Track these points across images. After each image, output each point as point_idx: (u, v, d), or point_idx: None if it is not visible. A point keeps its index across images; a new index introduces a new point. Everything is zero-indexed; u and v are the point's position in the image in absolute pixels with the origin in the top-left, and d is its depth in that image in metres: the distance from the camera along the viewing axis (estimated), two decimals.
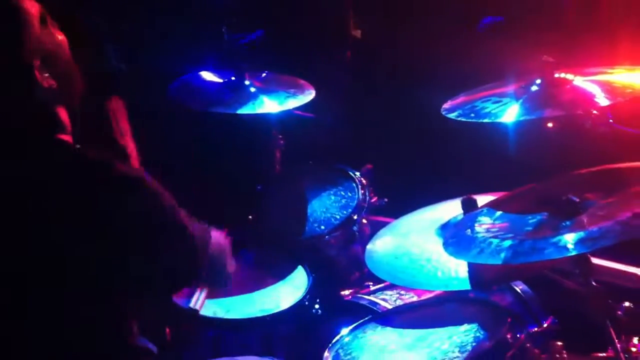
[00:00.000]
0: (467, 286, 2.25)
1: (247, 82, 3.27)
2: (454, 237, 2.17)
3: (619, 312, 2.17)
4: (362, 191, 3.12)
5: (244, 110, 3.16)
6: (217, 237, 2.14)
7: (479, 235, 2.07)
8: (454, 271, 2.30)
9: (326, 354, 2.35)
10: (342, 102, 4.03)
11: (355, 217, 3.04)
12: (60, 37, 1.93)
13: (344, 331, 2.44)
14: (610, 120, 2.51)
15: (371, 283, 2.90)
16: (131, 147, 2.20)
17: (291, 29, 4.09)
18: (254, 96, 3.22)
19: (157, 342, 2.19)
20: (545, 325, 2.34)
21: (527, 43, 3.30)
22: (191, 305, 2.65)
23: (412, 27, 4.16)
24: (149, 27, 3.84)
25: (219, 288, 2.47)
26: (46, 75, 1.87)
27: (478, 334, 2.25)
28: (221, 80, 3.37)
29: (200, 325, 2.66)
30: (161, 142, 3.78)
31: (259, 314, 2.67)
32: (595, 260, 2.13)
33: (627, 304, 2.19)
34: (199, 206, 3.91)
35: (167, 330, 2.69)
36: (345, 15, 4.22)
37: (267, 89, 3.26)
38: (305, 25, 4.05)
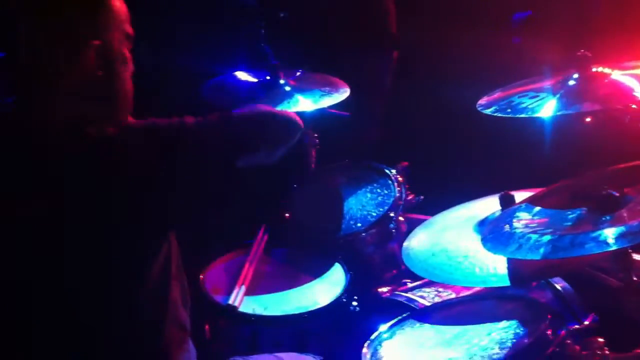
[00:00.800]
0: (506, 282, 2.24)
1: (281, 81, 3.28)
2: (492, 233, 2.16)
3: None
4: (399, 188, 3.12)
5: (279, 109, 3.18)
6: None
7: (518, 230, 2.06)
8: (493, 267, 2.29)
9: (365, 350, 2.36)
10: (381, 101, 4.03)
11: (391, 215, 3.04)
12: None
13: (383, 327, 2.44)
14: None
15: (409, 280, 2.90)
16: None
17: (331, 25, 4.08)
18: (288, 95, 3.23)
19: (196, 338, 2.21)
20: (586, 322, 2.31)
21: (562, 38, 3.27)
22: (230, 301, 2.68)
23: (446, 24, 4.15)
24: (184, 27, 3.87)
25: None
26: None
27: (517, 331, 2.24)
28: (256, 80, 3.39)
29: (239, 322, 2.69)
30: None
31: (297, 311, 2.69)
32: (636, 257, 2.10)
33: None
34: (236, 205, 3.94)
35: (207, 326, 2.72)
36: (388, 14, 4.21)
37: (302, 87, 3.28)
38: (347, 23, 4.04)
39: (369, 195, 3.19)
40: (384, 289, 2.87)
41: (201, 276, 2.85)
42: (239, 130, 1.94)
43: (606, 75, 2.47)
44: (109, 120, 1.91)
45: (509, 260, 2.21)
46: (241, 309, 2.69)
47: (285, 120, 2.06)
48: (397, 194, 3.09)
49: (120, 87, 1.97)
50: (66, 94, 1.89)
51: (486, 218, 2.55)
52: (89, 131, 1.86)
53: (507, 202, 2.39)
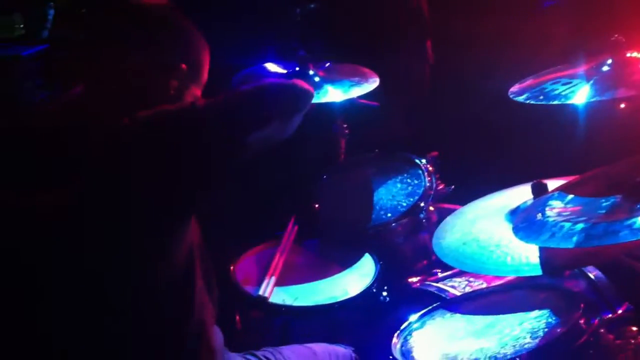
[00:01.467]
0: (538, 272, 2.21)
1: (311, 72, 3.28)
2: (524, 221, 2.13)
3: None
4: (429, 178, 3.10)
5: None
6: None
7: (550, 219, 2.03)
8: (525, 257, 2.26)
9: (395, 340, 2.34)
10: (418, 90, 4.00)
11: (422, 205, 3.02)
12: None
13: (413, 317, 2.43)
14: None
15: (439, 270, 2.88)
16: None
17: (365, 15, 4.06)
18: (318, 85, 3.22)
19: (227, 328, 2.22)
20: (619, 311, 2.28)
21: (596, 23, 3.22)
22: (260, 292, 2.69)
23: (476, 12, 4.10)
24: (215, 19, 3.88)
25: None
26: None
27: (550, 320, 2.21)
28: (285, 71, 3.38)
29: (270, 313, 2.69)
30: None
31: (327, 302, 2.68)
32: None
33: None
34: (267, 196, 3.95)
35: (237, 317, 2.73)
36: (422, 5, 4.17)
37: (331, 78, 3.27)
38: (380, 13, 4.02)
39: (399, 185, 3.17)
40: (415, 279, 2.85)
41: (232, 267, 2.85)
42: (244, 105, 1.92)
43: None
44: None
45: (542, 249, 2.18)
46: (271, 299, 2.69)
47: (291, 89, 2.03)
48: (428, 184, 3.07)
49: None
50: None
51: (518, 207, 2.51)
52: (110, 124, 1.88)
53: (539, 191, 2.35)
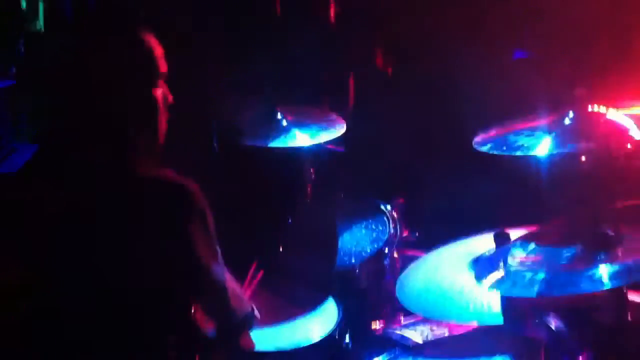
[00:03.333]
0: (500, 320, 2.22)
1: (279, 116, 3.30)
2: (487, 270, 2.15)
3: None
4: (394, 225, 3.11)
5: (276, 144, 3.19)
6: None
7: (512, 268, 2.05)
8: (487, 304, 2.28)
9: None
10: (375, 136, 4.04)
11: (386, 251, 3.03)
12: None
13: None
14: None
15: (402, 316, 2.87)
16: None
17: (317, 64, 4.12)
18: (286, 130, 3.24)
19: None
20: (580, 359, 2.29)
21: (560, 77, 3.29)
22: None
23: (442, 61, 4.17)
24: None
25: None
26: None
27: None
28: (253, 114, 3.40)
29: (230, 357, 2.66)
30: (192, 175, 3.82)
31: (289, 347, 2.66)
32: (631, 297, 2.09)
33: None
34: (229, 239, 3.92)
35: (197, 358, 2.69)
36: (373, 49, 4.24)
37: (299, 122, 3.29)
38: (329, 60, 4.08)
39: (363, 230, 3.18)
40: (377, 325, 2.85)
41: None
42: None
43: (602, 115, 2.49)
44: (146, 152, 2.03)
45: (504, 297, 2.20)
46: None
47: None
48: (392, 230, 3.08)
49: (154, 121, 2.06)
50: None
51: (481, 255, 2.53)
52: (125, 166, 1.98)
53: (502, 240, 2.38)
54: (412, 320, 2.80)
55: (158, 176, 1.98)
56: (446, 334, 2.65)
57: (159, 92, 2.05)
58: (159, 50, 2.05)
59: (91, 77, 1.99)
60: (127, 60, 2.00)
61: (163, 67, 2.06)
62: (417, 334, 2.67)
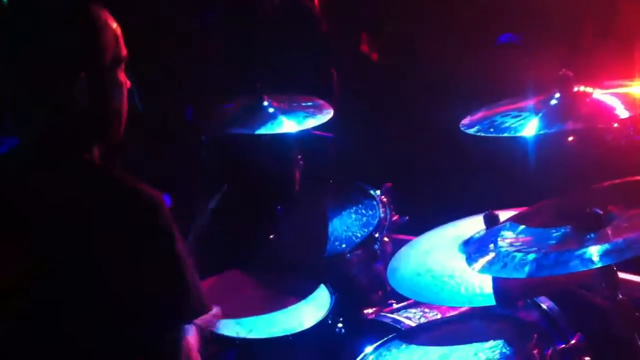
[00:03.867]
0: (491, 302, 2.23)
1: (265, 103, 3.28)
2: (477, 252, 2.16)
3: None
4: (383, 209, 3.11)
5: (263, 131, 3.18)
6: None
7: (502, 249, 2.06)
8: (478, 287, 2.29)
9: None
10: (362, 121, 4.05)
11: (376, 235, 3.03)
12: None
13: (368, 349, 2.42)
14: (632, 133, 2.50)
15: (394, 301, 2.88)
16: None
17: (306, 52, 4.11)
18: (272, 117, 3.23)
19: None
20: (572, 341, 2.30)
21: (546, 58, 3.30)
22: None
23: (430, 44, 4.17)
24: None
25: None
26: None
27: (504, 350, 2.23)
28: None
29: (223, 345, 2.66)
30: (181, 164, 3.81)
31: (282, 333, 2.66)
32: (621, 275, 2.10)
33: None
34: (219, 228, 3.93)
35: None
36: (360, 37, 4.24)
37: (286, 109, 3.28)
38: (318, 47, 4.07)
39: (353, 216, 3.18)
40: (370, 310, 2.86)
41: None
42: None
43: (588, 95, 2.49)
44: (100, 141, 1.92)
45: (495, 280, 2.21)
46: (225, 332, 2.66)
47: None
48: (382, 215, 3.09)
49: (111, 111, 1.94)
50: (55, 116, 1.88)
51: (471, 237, 2.54)
52: (76, 153, 1.87)
53: (491, 221, 2.39)
54: (404, 304, 2.80)
55: (108, 177, 1.87)
56: (438, 317, 2.66)
57: (121, 76, 1.93)
58: (118, 33, 1.92)
59: (42, 56, 1.85)
60: (81, 37, 1.86)
61: (123, 51, 1.93)
62: (409, 319, 2.67)
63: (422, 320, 2.66)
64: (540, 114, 2.48)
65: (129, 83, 1.98)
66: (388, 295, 2.94)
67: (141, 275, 1.81)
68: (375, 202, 3.16)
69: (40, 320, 1.81)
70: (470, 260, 2.13)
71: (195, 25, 3.99)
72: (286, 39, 3.90)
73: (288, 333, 2.66)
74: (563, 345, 2.25)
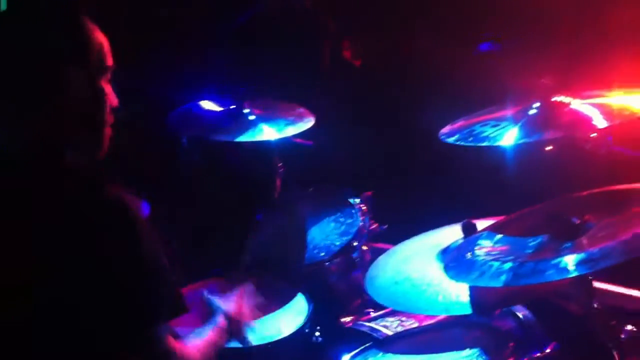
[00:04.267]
0: (468, 311, 2.23)
1: (246, 110, 3.28)
2: (455, 261, 2.16)
3: (622, 335, 2.14)
4: (362, 218, 3.11)
5: (244, 138, 3.17)
6: None
7: (480, 258, 2.06)
8: (455, 295, 2.28)
9: None
10: (340, 130, 4.05)
11: (355, 244, 3.02)
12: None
13: (345, 358, 2.42)
14: (610, 143, 2.51)
15: (372, 310, 2.87)
16: None
17: (286, 59, 4.11)
18: (253, 124, 3.23)
19: None
20: (547, 350, 2.31)
21: (525, 67, 3.31)
22: None
23: (409, 54, 4.18)
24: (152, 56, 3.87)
25: None
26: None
27: (480, 359, 2.23)
28: (221, 109, 3.38)
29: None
30: (162, 170, 3.79)
31: (259, 342, 2.64)
32: (597, 284, 2.11)
33: (630, 327, 2.16)
34: (198, 234, 3.90)
35: None
36: (339, 44, 4.25)
37: (266, 116, 3.27)
38: (299, 54, 4.07)
39: (332, 224, 3.17)
40: (347, 319, 2.85)
41: None
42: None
43: (566, 104, 2.50)
44: (86, 152, 1.93)
45: (472, 288, 2.21)
46: None
47: None
48: (361, 223, 3.08)
49: (96, 120, 1.94)
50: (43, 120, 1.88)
51: (449, 246, 2.54)
52: (61, 160, 1.87)
53: (469, 230, 2.39)
54: (381, 313, 2.80)
55: (89, 189, 1.85)
56: (416, 326, 2.65)
57: (105, 88, 1.94)
58: (105, 42, 1.93)
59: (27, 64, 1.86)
60: (68, 45, 1.87)
61: (109, 60, 1.94)
62: (387, 327, 2.66)
63: (400, 328, 2.65)
64: (519, 123, 2.48)
65: (115, 101, 1.98)
66: (366, 303, 2.93)
67: (114, 275, 1.81)
68: (354, 211, 3.16)
69: (18, 321, 1.80)
70: (448, 269, 2.13)
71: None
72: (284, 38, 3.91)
73: (265, 342, 2.64)
74: (538, 354, 2.26)
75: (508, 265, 1.96)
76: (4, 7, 3.29)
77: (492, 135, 2.49)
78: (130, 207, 1.83)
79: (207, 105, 3.43)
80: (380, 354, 2.42)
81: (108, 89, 1.96)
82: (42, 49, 1.86)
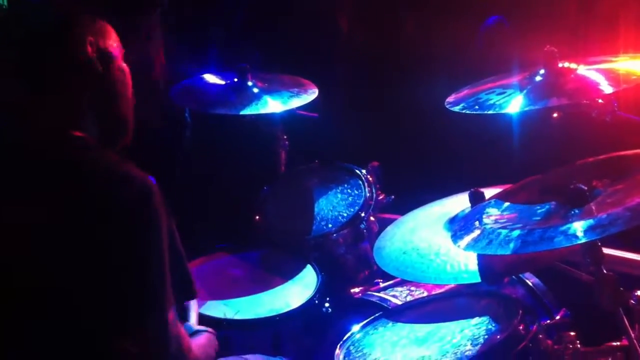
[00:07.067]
0: (477, 279, 2.24)
1: (249, 83, 3.27)
2: (463, 229, 2.16)
3: (632, 301, 2.15)
4: (369, 188, 3.11)
5: (248, 111, 3.16)
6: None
7: (488, 226, 2.06)
8: (464, 264, 2.29)
9: (337, 351, 2.34)
10: (346, 101, 4.04)
11: (362, 215, 3.03)
12: None
13: (355, 328, 2.43)
14: (616, 108, 2.49)
15: (381, 280, 2.89)
16: None
17: (290, 33, 4.09)
18: (257, 97, 3.22)
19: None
20: (557, 317, 2.32)
21: (530, 35, 3.29)
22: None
23: (414, 23, 4.15)
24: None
25: None
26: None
27: (490, 327, 2.24)
28: (224, 82, 3.37)
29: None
30: (167, 145, 3.79)
31: (269, 314, 2.66)
32: (606, 250, 2.11)
33: (639, 292, 2.16)
34: (207, 209, 3.91)
35: None
36: (344, 17, 4.22)
37: (270, 89, 3.26)
38: (303, 27, 4.05)
39: (339, 195, 3.17)
40: (357, 290, 2.86)
41: None
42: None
43: (572, 71, 2.48)
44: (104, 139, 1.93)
45: (480, 257, 2.21)
46: (212, 313, 2.66)
47: None
48: (368, 194, 3.08)
49: (114, 106, 1.97)
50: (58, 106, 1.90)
51: (456, 215, 2.54)
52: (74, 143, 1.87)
53: (476, 199, 2.39)
54: (390, 283, 2.81)
55: (114, 169, 1.85)
56: (425, 295, 2.67)
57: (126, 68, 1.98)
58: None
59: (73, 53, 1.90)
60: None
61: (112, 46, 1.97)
62: (396, 297, 2.67)
63: (409, 298, 2.67)
64: (525, 91, 2.47)
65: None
66: (374, 274, 2.94)
67: (130, 256, 1.81)
68: (361, 182, 3.16)
69: (26, 304, 1.81)
70: (456, 238, 2.13)
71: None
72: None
73: (275, 314, 2.66)
74: (548, 321, 2.27)
75: (516, 232, 1.96)
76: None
77: (498, 102, 2.47)
78: (148, 188, 1.83)
79: (210, 79, 3.42)
80: (390, 323, 2.43)
81: (126, 71, 1.99)
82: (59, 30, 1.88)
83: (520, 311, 2.22)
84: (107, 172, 1.84)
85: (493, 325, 2.24)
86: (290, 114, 3.27)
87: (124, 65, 1.99)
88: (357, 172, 3.19)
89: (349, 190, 3.17)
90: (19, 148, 1.87)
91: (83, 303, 1.81)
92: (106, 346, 1.83)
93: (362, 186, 3.13)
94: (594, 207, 1.94)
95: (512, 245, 1.92)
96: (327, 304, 2.75)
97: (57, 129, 1.88)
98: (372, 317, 2.47)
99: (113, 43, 1.96)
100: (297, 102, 3.20)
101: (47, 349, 1.82)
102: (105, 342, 1.83)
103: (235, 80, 3.30)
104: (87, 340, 1.83)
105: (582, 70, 2.48)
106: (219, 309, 2.69)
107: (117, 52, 1.97)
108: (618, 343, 2.15)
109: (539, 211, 2.04)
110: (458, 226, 2.20)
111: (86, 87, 1.91)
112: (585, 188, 2.00)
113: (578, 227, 1.87)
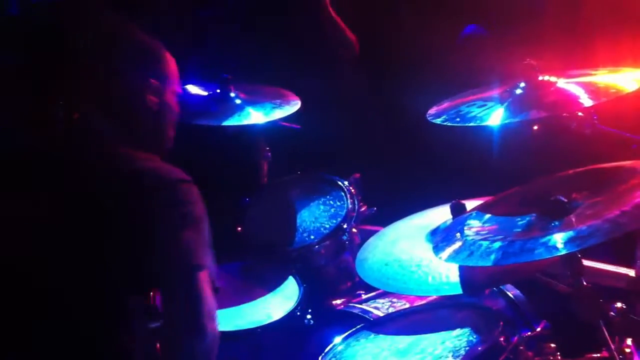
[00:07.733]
0: (458, 290, 2.24)
1: (232, 94, 3.27)
2: (444, 241, 2.17)
3: (612, 313, 2.16)
4: (351, 200, 3.11)
5: (230, 122, 3.16)
6: None
7: (469, 238, 2.07)
8: (445, 276, 2.30)
9: None
10: (329, 112, 4.04)
11: (344, 226, 3.03)
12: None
13: (337, 340, 2.43)
14: (596, 121, 2.52)
15: (363, 292, 2.89)
16: None
17: (277, 42, 4.10)
18: (239, 108, 3.22)
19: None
20: (538, 328, 2.33)
21: (510, 48, 3.32)
22: None
23: (395, 35, 4.17)
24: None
25: None
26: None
27: (471, 338, 2.24)
28: (206, 93, 3.36)
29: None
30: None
31: (250, 326, 2.65)
32: (586, 262, 2.12)
33: (619, 304, 2.18)
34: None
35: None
36: (329, 29, 4.24)
37: (253, 100, 3.26)
38: (289, 37, 4.06)
39: (321, 207, 3.17)
40: (338, 301, 2.86)
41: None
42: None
43: (552, 84, 2.51)
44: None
45: (461, 268, 2.22)
46: None
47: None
48: (350, 206, 3.08)
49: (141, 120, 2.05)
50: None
51: (438, 227, 2.55)
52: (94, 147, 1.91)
53: (458, 211, 2.40)
54: (372, 295, 2.81)
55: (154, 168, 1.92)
56: (406, 307, 2.67)
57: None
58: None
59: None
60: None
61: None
62: (378, 309, 2.68)
63: (391, 310, 2.67)
64: (505, 103, 2.49)
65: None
66: (356, 285, 2.94)
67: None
68: (343, 193, 3.16)
69: (26, 303, 1.81)
70: (438, 249, 2.13)
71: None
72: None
73: (256, 325, 2.65)
74: (529, 333, 2.28)
75: (497, 244, 1.97)
76: None
77: (479, 115, 2.49)
78: (159, 184, 1.90)
79: (193, 89, 3.41)
80: (372, 335, 2.43)
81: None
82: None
83: (501, 323, 2.23)
84: (109, 171, 1.87)
85: (474, 336, 2.25)
86: (273, 125, 3.27)
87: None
88: (339, 184, 3.20)
89: (331, 202, 3.17)
90: (21, 148, 1.88)
91: (83, 303, 1.81)
92: (106, 346, 1.82)
93: (345, 198, 3.14)
94: (573, 219, 1.96)
95: (493, 256, 1.93)
96: (308, 316, 2.75)
97: (61, 129, 1.89)
98: (354, 328, 2.47)
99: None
100: (279, 113, 3.20)
101: (47, 349, 1.81)
102: (106, 342, 1.83)
103: (218, 91, 3.29)
104: (87, 340, 1.82)
105: (562, 83, 2.50)
106: None
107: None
108: (598, 355, 2.16)
109: (520, 223, 2.05)
110: (440, 238, 2.21)
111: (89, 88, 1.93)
112: (565, 200, 2.02)
113: (558, 238, 1.88)
